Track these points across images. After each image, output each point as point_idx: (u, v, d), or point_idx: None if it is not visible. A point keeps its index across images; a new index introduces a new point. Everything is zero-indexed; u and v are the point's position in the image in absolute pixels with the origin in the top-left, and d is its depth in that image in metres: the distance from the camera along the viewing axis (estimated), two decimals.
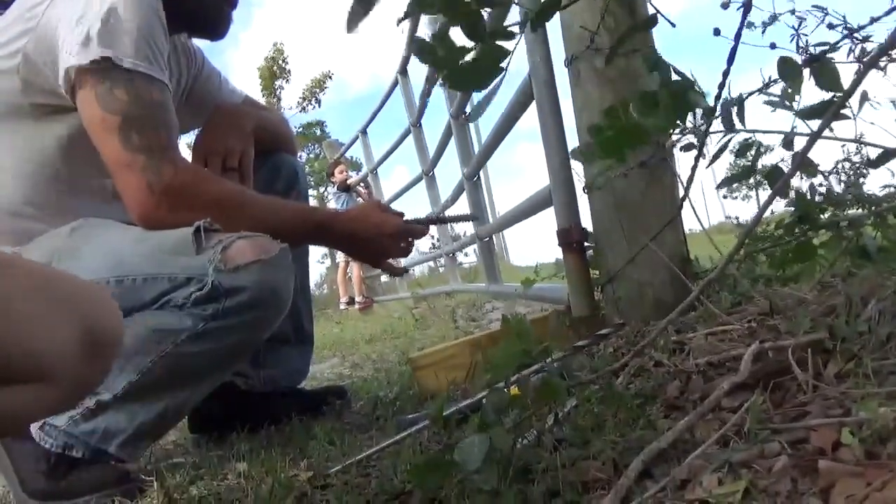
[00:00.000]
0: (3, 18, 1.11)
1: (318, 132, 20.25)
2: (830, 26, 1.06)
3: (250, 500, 0.94)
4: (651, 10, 1.27)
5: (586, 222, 1.43)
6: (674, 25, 1.03)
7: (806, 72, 0.94)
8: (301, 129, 18.99)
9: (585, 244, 1.42)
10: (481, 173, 3.32)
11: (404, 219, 1.30)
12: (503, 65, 0.87)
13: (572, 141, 1.45)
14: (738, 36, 1.01)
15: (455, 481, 0.72)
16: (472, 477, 0.67)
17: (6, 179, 1.13)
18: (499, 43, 0.85)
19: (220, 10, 1.28)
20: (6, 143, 1.12)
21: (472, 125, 3.45)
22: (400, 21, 0.85)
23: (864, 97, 0.96)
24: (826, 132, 0.83)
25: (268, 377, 1.51)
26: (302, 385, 1.65)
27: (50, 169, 1.15)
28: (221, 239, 1.07)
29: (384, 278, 8.96)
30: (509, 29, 0.87)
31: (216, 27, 1.29)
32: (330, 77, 17.90)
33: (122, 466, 1.12)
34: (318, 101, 18.48)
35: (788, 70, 0.94)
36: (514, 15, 1.34)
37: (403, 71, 4.59)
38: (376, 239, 1.26)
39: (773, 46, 1.07)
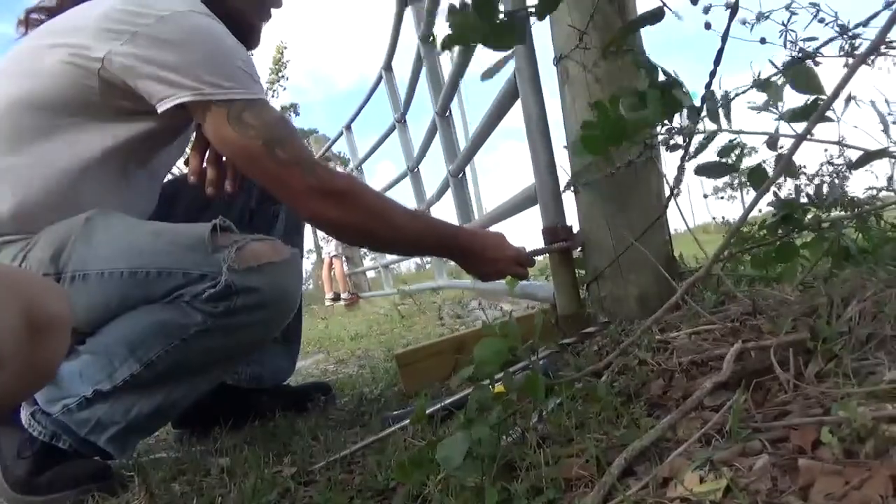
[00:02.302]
0: (86, 13, 1.11)
1: (293, 114, 19.07)
2: (822, 21, 1.06)
3: (233, 495, 0.93)
4: (640, 8, 1.28)
5: (574, 221, 1.44)
6: (680, 18, 1.02)
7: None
8: None
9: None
10: (468, 169, 3.31)
11: (528, 249, 1.39)
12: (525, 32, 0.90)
13: (559, 139, 1.46)
14: (724, 37, 1.01)
15: (439, 478, 0.72)
16: (455, 473, 0.67)
17: (54, 174, 1.12)
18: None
19: (257, 25, 1.34)
20: (68, 138, 1.12)
21: (455, 122, 3.45)
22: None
23: (849, 99, 0.97)
24: (810, 134, 0.84)
25: (253, 373, 1.51)
26: (287, 381, 1.64)
27: (103, 166, 1.15)
28: (237, 240, 1.11)
29: (370, 274, 8.95)
30: (522, 11, 0.89)
31: (251, 41, 1.33)
32: (285, 47, 15.88)
33: (103, 462, 1.11)
34: (286, 78, 17.26)
35: (766, 85, 0.95)
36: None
37: (388, 66, 4.57)
38: (500, 261, 1.33)
39: (762, 41, 1.08)
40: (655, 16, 0.99)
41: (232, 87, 1.08)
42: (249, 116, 1.08)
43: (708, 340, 0.92)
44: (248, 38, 1.33)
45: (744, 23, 1.06)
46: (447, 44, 0.92)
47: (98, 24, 1.08)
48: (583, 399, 0.87)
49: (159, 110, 1.08)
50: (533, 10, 0.90)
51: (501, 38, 0.89)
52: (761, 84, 0.96)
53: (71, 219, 1.11)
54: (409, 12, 3.47)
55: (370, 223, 1.17)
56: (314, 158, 1.14)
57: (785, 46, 1.07)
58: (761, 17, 1.10)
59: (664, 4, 0.97)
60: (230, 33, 1.13)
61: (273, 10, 1.36)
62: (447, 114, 3.30)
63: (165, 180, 1.42)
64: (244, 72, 1.10)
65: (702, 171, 1.11)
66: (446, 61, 3.36)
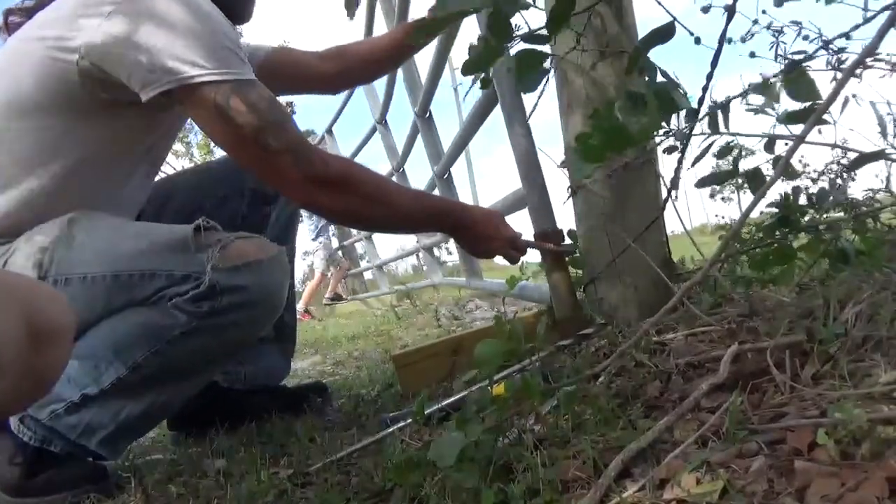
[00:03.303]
0: (62, 3, 1.08)
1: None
2: (806, 38, 1.08)
3: (229, 497, 0.93)
4: (638, 17, 1.28)
5: (570, 223, 1.44)
6: (692, 34, 1.01)
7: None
8: None
9: (565, 244, 1.42)
10: (466, 173, 3.30)
11: (524, 238, 1.37)
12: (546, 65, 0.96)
13: (557, 140, 1.45)
14: (721, 40, 1.02)
15: (435, 479, 0.72)
16: (452, 475, 0.67)
17: (45, 171, 1.11)
18: (534, 47, 0.93)
19: None
20: (56, 140, 1.09)
21: (454, 124, 3.41)
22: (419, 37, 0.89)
23: (846, 103, 0.97)
24: (807, 136, 0.84)
25: (249, 374, 1.50)
26: (283, 382, 1.64)
27: (92, 166, 1.14)
28: (220, 238, 1.08)
29: (367, 276, 8.94)
30: (539, 33, 0.90)
31: (244, 13, 1.31)
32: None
33: (98, 463, 1.11)
34: None
35: (765, 88, 0.96)
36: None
37: None
38: (493, 239, 1.31)
39: (752, 55, 1.09)
40: (667, 33, 0.97)
41: (218, 69, 1.02)
42: (237, 101, 1.03)
43: (705, 342, 0.92)
44: (242, 10, 1.29)
45: (730, 41, 1.07)
46: (467, 70, 0.93)
47: (74, 11, 1.04)
48: (580, 401, 0.87)
49: (143, 99, 1.03)
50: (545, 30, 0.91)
51: (526, 68, 0.90)
52: (759, 87, 0.96)
53: (52, 221, 1.09)
54: (378, 10, 3.34)
55: (366, 208, 1.15)
56: (307, 144, 1.11)
57: (775, 59, 1.09)
58: (750, 33, 1.12)
59: (674, 19, 0.96)
60: (215, 7, 1.08)
61: None
62: (427, 115, 3.25)
63: (157, 178, 1.41)
64: (230, 51, 1.04)
65: (702, 183, 1.12)
66: (422, 62, 3.28)
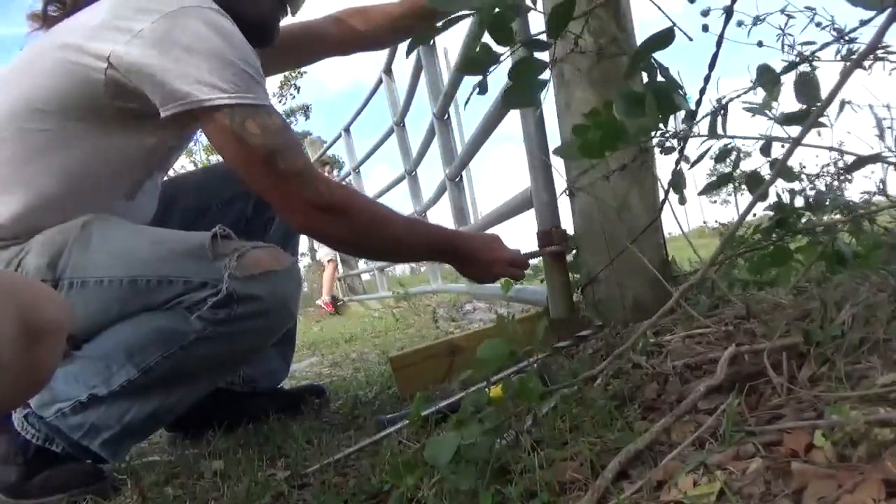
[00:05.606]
0: (94, 12, 1.09)
1: (303, 117, 19.07)
2: (819, 25, 1.05)
3: (226, 499, 0.93)
4: (636, 19, 1.28)
5: (567, 224, 1.44)
6: (691, 39, 1.01)
7: (784, 77, 0.96)
8: None
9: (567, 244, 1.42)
10: (463, 173, 3.31)
11: (522, 253, 1.38)
12: (545, 76, 0.94)
13: (554, 143, 1.46)
14: (719, 42, 1.02)
15: (433, 481, 0.72)
16: (449, 477, 0.67)
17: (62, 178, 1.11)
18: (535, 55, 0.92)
19: (274, 22, 1.31)
20: (76, 145, 1.10)
21: (455, 125, 3.44)
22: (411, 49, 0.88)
23: (843, 104, 0.97)
24: (804, 139, 0.84)
25: (247, 376, 1.50)
26: (281, 384, 1.64)
27: (110, 173, 1.15)
28: (237, 247, 1.10)
29: (366, 277, 8.93)
30: (539, 38, 0.90)
31: (267, 38, 1.30)
32: None
33: (95, 465, 1.11)
34: (297, 88, 17.25)
35: (767, 77, 0.95)
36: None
37: (388, 70, 4.56)
38: (494, 263, 1.31)
39: (760, 45, 1.07)
40: (666, 39, 0.97)
41: (234, 93, 1.04)
42: (252, 124, 1.05)
43: (702, 344, 0.92)
44: (269, 36, 1.29)
45: (740, 24, 1.05)
46: (465, 69, 0.93)
47: (104, 22, 1.06)
48: (577, 402, 0.87)
49: (162, 116, 1.06)
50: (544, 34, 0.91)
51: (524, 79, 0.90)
52: (763, 82, 0.96)
53: (66, 224, 1.10)
54: None
55: (368, 237, 1.16)
56: (314, 170, 1.13)
57: (782, 50, 1.07)
58: (758, 20, 1.09)
59: (675, 25, 0.95)
60: (237, 31, 1.09)
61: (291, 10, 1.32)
62: (446, 117, 3.29)
63: (163, 180, 1.41)
64: (248, 76, 1.07)
65: (707, 190, 1.13)
66: (446, 65, 3.34)
